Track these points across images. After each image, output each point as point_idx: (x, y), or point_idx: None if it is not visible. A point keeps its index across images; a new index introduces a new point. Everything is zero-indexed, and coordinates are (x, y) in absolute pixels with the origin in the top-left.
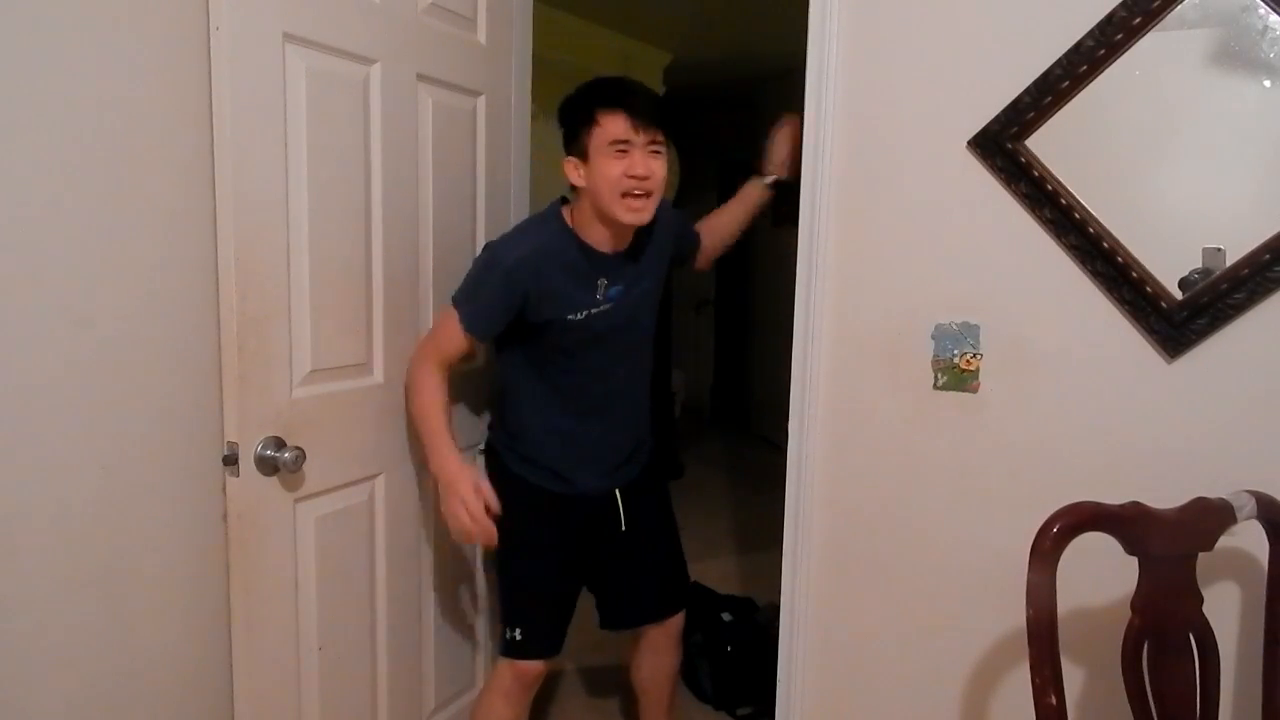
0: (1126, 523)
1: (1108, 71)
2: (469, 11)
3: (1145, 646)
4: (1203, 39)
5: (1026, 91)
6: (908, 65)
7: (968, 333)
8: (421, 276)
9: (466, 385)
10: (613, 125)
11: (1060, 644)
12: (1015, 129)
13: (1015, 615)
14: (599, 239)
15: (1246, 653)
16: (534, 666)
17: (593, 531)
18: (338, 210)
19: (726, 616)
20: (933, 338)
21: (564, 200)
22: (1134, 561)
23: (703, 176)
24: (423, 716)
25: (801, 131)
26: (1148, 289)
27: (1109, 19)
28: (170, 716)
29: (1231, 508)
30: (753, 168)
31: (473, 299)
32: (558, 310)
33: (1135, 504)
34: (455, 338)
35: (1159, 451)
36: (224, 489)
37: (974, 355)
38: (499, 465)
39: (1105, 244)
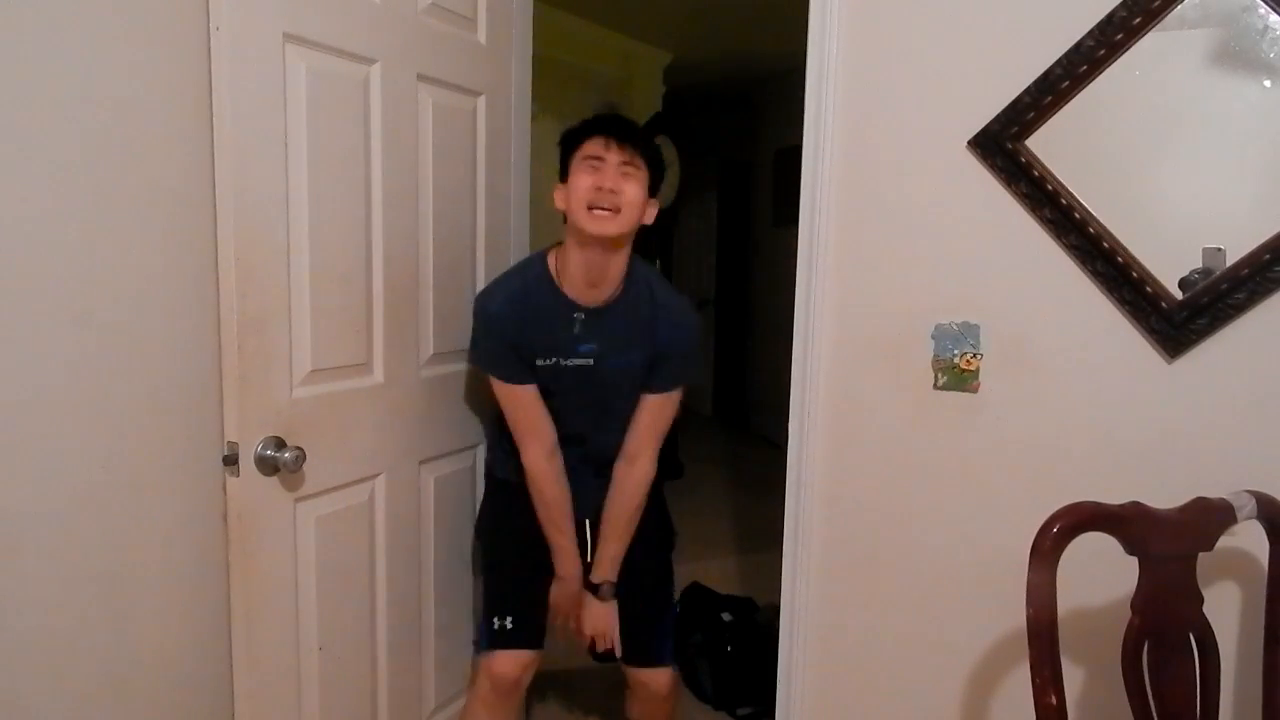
0: (1126, 523)
1: (1108, 71)
2: (469, 11)
3: (1145, 646)
4: (1203, 39)
5: (1026, 91)
6: (908, 65)
7: (968, 333)
8: (421, 277)
9: (466, 385)
10: (590, 144)
11: (1060, 644)
12: (1015, 129)
13: (1015, 615)
14: (576, 286)
15: (1246, 653)
16: (510, 670)
17: None
18: (338, 210)
19: (726, 616)
20: (933, 338)
21: (559, 242)
22: (1134, 561)
23: (703, 176)
24: (422, 716)
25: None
26: (1148, 289)
27: (1109, 19)
28: (170, 716)
29: (1232, 508)
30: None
31: (487, 354)
32: (533, 353)
33: (1135, 504)
34: (518, 398)
35: (1159, 451)
36: (224, 489)
37: (974, 355)
38: (488, 470)
39: (1105, 244)
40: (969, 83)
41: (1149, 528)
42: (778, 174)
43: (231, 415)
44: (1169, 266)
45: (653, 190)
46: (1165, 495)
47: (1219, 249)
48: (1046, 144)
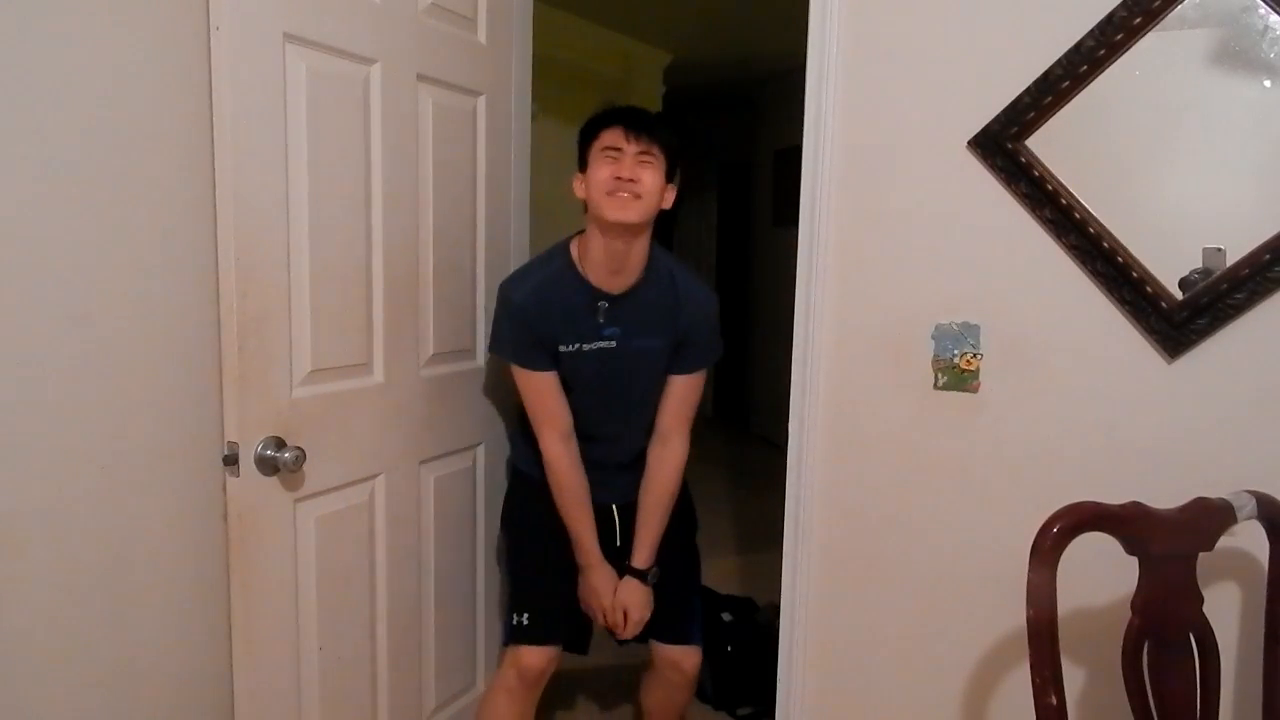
0: (1127, 523)
1: (1108, 71)
2: (469, 11)
3: (1145, 646)
4: (1203, 39)
5: (1027, 91)
6: (908, 65)
7: (968, 333)
8: (422, 276)
9: (469, 385)
10: (608, 134)
11: (1060, 644)
12: (1015, 129)
13: (1015, 615)
14: (598, 273)
15: (1246, 653)
16: (537, 661)
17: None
18: (338, 210)
19: (727, 616)
20: (933, 338)
21: (582, 230)
22: (1134, 561)
23: (703, 177)
24: (423, 716)
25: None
26: (1148, 289)
27: (1109, 19)
28: (170, 716)
29: (1232, 508)
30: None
31: (510, 341)
32: (555, 341)
33: (1135, 504)
34: (538, 384)
35: (1159, 451)
36: (224, 489)
37: (974, 355)
38: (510, 464)
39: (1105, 244)
40: (969, 83)
41: (1149, 528)
42: (777, 174)
43: (231, 415)
44: (1169, 266)
45: (669, 175)
46: (1165, 495)
47: (1219, 249)
48: (1047, 144)
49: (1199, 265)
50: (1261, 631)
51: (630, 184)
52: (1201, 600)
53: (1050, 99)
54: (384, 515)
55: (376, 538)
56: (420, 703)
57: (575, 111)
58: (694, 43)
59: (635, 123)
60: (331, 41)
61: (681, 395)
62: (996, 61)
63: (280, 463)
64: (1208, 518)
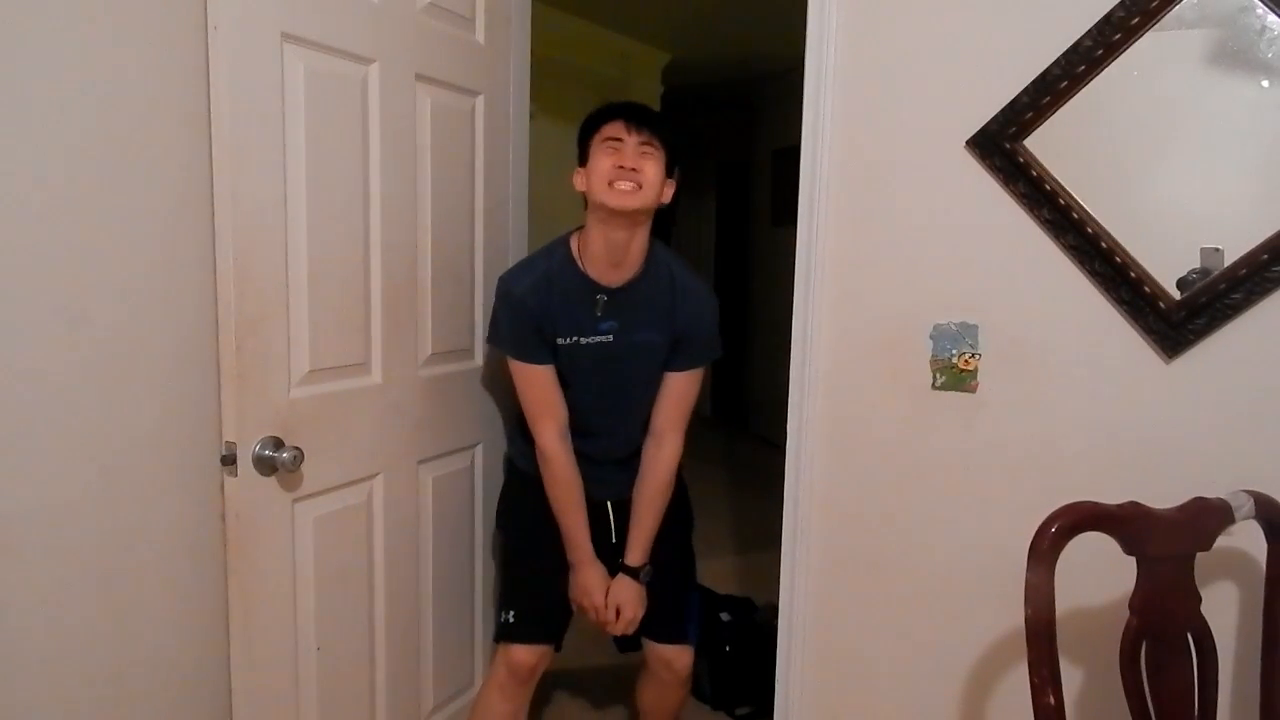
0: (1125, 522)
1: (1106, 71)
2: (467, 11)
3: (1143, 646)
4: (1201, 39)
5: (1025, 91)
6: (906, 65)
7: (966, 333)
8: (420, 276)
9: (467, 385)
10: (609, 126)
11: (1059, 644)
12: (1013, 129)
13: (1014, 615)
14: (598, 266)
15: (1244, 652)
16: (527, 657)
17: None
18: (336, 210)
19: (725, 616)
20: (931, 338)
21: (578, 229)
22: (1132, 561)
23: (701, 177)
24: (421, 716)
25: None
26: (1146, 289)
27: (1107, 19)
28: (168, 716)
29: (1230, 507)
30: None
31: (509, 334)
32: (554, 333)
33: (1133, 504)
34: (534, 377)
35: (1157, 451)
36: (222, 489)
37: (972, 355)
38: (508, 460)
39: (1103, 244)
40: (967, 83)
41: (1147, 527)
42: (776, 174)
43: (229, 415)
44: (1167, 266)
45: (669, 169)
46: (1163, 495)
47: (1217, 249)
48: (1044, 144)
49: (1197, 265)
50: (1259, 631)
51: (632, 173)
52: (1199, 600)
53: (1048, 99)
54: (382, 515)
55: (375, 538)
56: (418, 703)
57: (574, 111)
58: (692, 43)
59: (636, 115)
60: (329, 41)
61: (678, 393)
62: (994, 61)
63: (278, 463)
64: (1206, 518)
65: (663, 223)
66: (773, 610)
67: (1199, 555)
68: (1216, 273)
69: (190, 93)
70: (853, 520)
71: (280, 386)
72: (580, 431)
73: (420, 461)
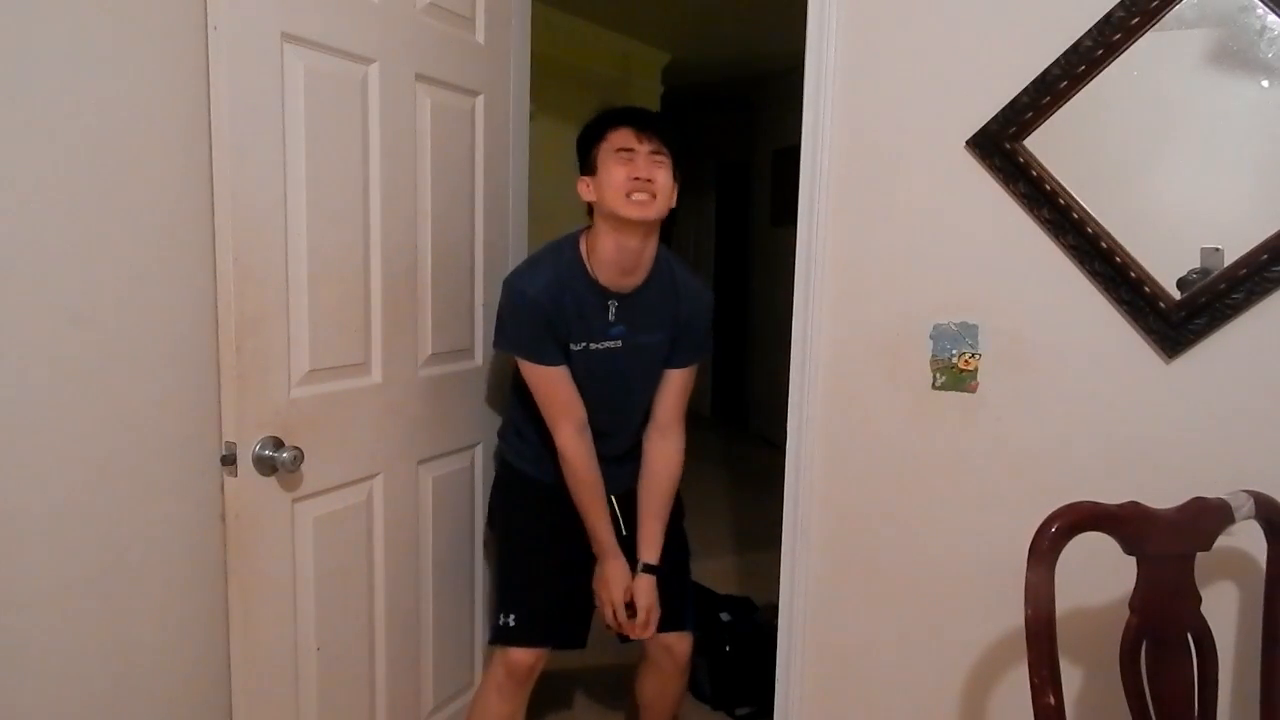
0: (1124, 522)
1: (1106, 71)
2: (467, 11)
3: (1143, 646)
4: (1200, 39)
5: (1025, 91)
6: (906, 65)
7: (966, 332)
8: (420, 276)
9: (467, 385)
10: (619, 135)
11: (1059, 643)
12: (1013, 129)
13: (1014, 615)
14: (609, 273)
15: (1244, 652)
16: (525, 658)
17: None
18: (336, 210)
19: (725, 616)
20: (931, 337)
21: (585, 226)
22: (1132, 561)
23: (701, 177)
24: (421, 716)
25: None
26: (1146, 289)
27: (1107, 19)
28: (168, 716)
29: (1229, 507)
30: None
31: (523, 338)
32: (567, 338)
33: (1133, 504)
34: (551, 377)
35: (1157, 451)
36: (222, 489)
37: (972, 355)
38: (502, 460)
39: (1103, 244)
40: (967, 83)
41: (1147, 527)
42: (776, 174)
43: (229, 415)
44: (1167, 266)
45: (675, 173)
46: (1163, 495)
47: (1217, 249)
48: (1045, 144)
49: (1197, 265)
50: (1259, 631)
51: (647, 184)
52: (1199, 600)
53: (1048, 99)
54: (382, 515)
55: (375, 538)
56: (418, 702)
57: (574, 111)
58: (692, 43)
59: (643, 122)
60: (329, 41)
61: (679, 389)
62: (994, 62)
63: (278, 462)
64: (1205, 517)
65: (663, 224)
66: (773, 610)
67: (1199, 555)
68: (1216, 273)
69: (190, 92)
70: (853, 520)
71: (280, 386)
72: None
73: (420, 461)
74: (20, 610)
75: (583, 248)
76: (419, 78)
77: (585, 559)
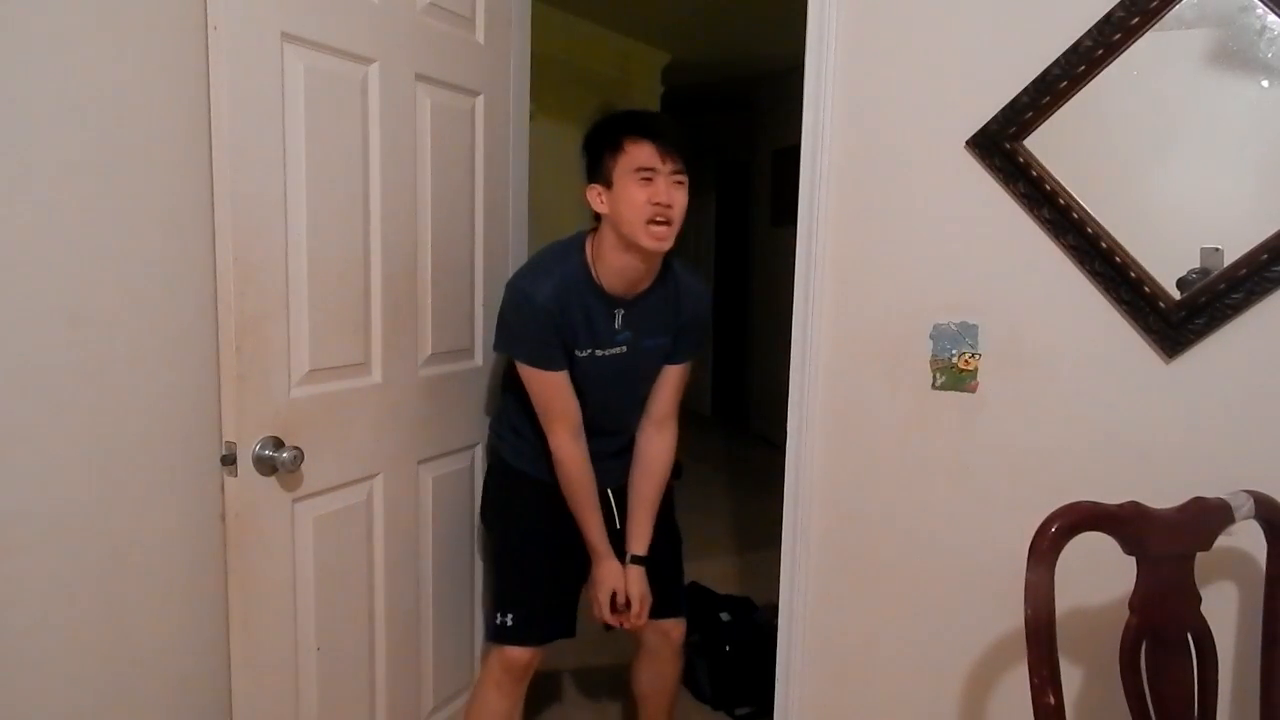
0: (1124, 522)
1: (1106, 71)
2: (467, 11)
3: (1143, 646)
4: (1200, 39)
5: (1025, 91)
6: (906, 65)
7: (966, 332)
8: (420, 276)
9: (467, 385)
10: (640, 152)
11: (1059, 643)
12: (1013, 129)
13: (1014, 615)
14: (614, 281)
15: (1244, 652)
16: (522, 655)
17: None
18: (336, 210)
19: (725, 616)
20: (931, 337)
21: (590, 229)
22: (1132, 561)
23: (702, 177)
24: (421, 716)
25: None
26: (1146, 289)
27: (1107, 19)
28: (168, 716)
29: (1229, 507)
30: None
31: (528, 341)
32: (573, 344)
33: (1133, 504)
34: (553, 383)
35: (1157, 451)
36: (222, 489)
37: (972, 355)
38: (497, 458)
39: (1103, 244)
40: (967, 83)
41: (1147, 527)
42: (776, 174)
43: (229, 415)
44: (1167, 266)
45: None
46: (1163, 495)
47: (1217, 249)
48: (1044, 144)
49: (1197, 265)
50: (1259, 631)
51: (667, 209)
52: (1199, 600)
53: (1048, 99)
54: (382, 515)
55: (375, 537)
56: (418, 702)
57: (574, 111)
58: (692, 42)
59: (666, 138)
60: (329, 41)
61: (676, 384)
62: (994, 61)
63: (278, 462)
64: (1205, 517)
65: None
66: (773, 610)
67: (1199, 555)
68: (1216, 273)
69: (190, 92)
70: (853, 520)
71: (280, 386)
72: (586, 431)
73: (420, 461)
74: (20, 610)
75: (588, 254)
76: (419, 78)
77: (577, 551)
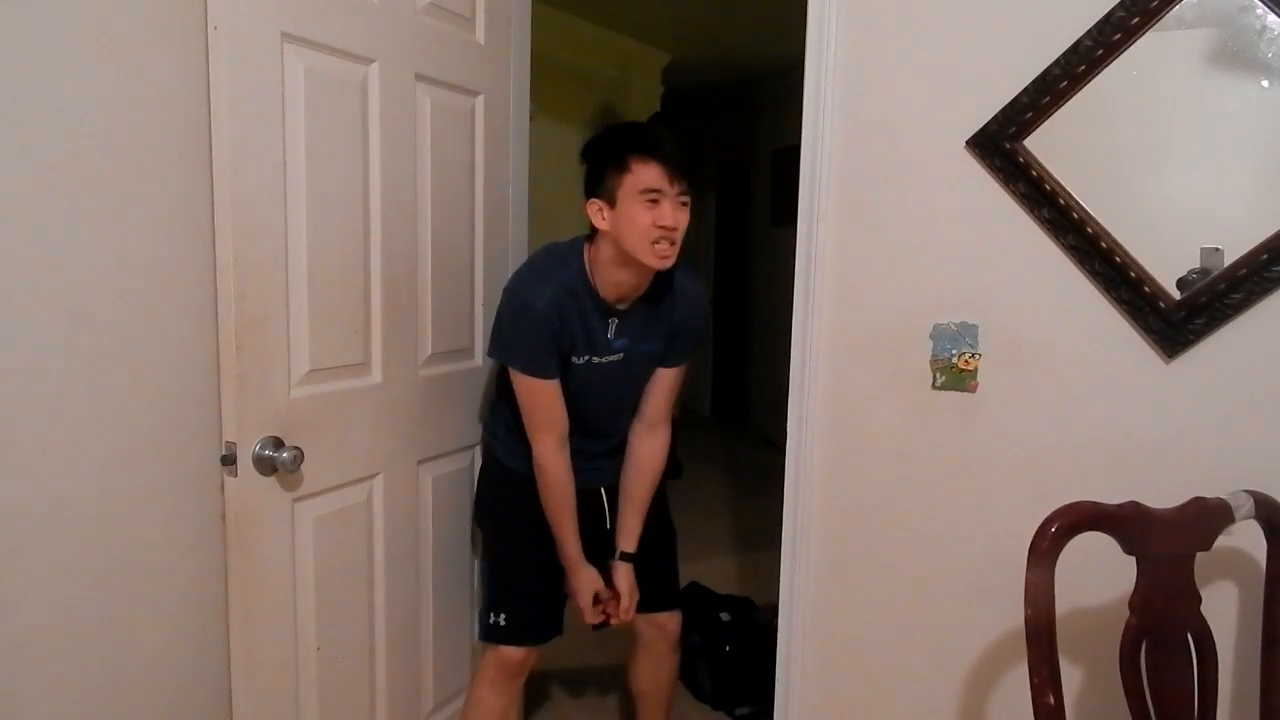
0: (1124, 522)
1: (1106, 71)
2: (467, 11)
3: (1143, 646)
4: (1200, 39)
5: (1025, 91)
6: (906, 65)
7: (966, 332)
8: (420, 276)
9: (467, 385)
10: (646, 174)
11: (1059, 643)
12: (1013, 129)
13: (1014, 615)
14: (611, 292)
15: (1244, 652)
16: (516, 654)
17: (581, 526)
18: (336, 210)
19: (725, 616)
20: (931, 337)
21: (587, 236)
22: (1132, 561)
23: (702, 177)
24: (421, 716)
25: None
26: (1146, 289)
27: (1107, 19)
28: (168, 716)
29: (1229, 507)
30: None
31: (524, 350)
32: (570, 352)
33: (1133, 503)
34: (544, 391)
35: (1157, 451)
36: (222, 489)
37: (972, 355)
38: (489, 455)
39: (1103, 244)
40: (967, 83)
41: (1147, 527)
42: (776, 174)
43: (229, 415)
44: (1167, 266)
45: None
46: (1163, 495)
47: (1217, 249)
48: (1044, 144)
49: (1197, 265)
50: (1259, 631)
51: (672, 232)
52: (1199, 600)
53: (1048, 99)
54: (382, 515)
55: (375, 537)
56: (418, 702)
57: (574, 111)
58: (693, 43)
59: (674, 161)
60: (329, 41)
61: (671, 385)
62: (994, 61)
63: (278, 462)
64: (1205, 517)
65: None
66: (773, 610)
67: (1199, 555)
68: (1216, 273)
69: (190, 92)
70: (853, 520)
71: (280, 387)
72: (580, 433)
73: (420, 461)
74: (21, 610)
75: (586, 260)
76: (419, 78)
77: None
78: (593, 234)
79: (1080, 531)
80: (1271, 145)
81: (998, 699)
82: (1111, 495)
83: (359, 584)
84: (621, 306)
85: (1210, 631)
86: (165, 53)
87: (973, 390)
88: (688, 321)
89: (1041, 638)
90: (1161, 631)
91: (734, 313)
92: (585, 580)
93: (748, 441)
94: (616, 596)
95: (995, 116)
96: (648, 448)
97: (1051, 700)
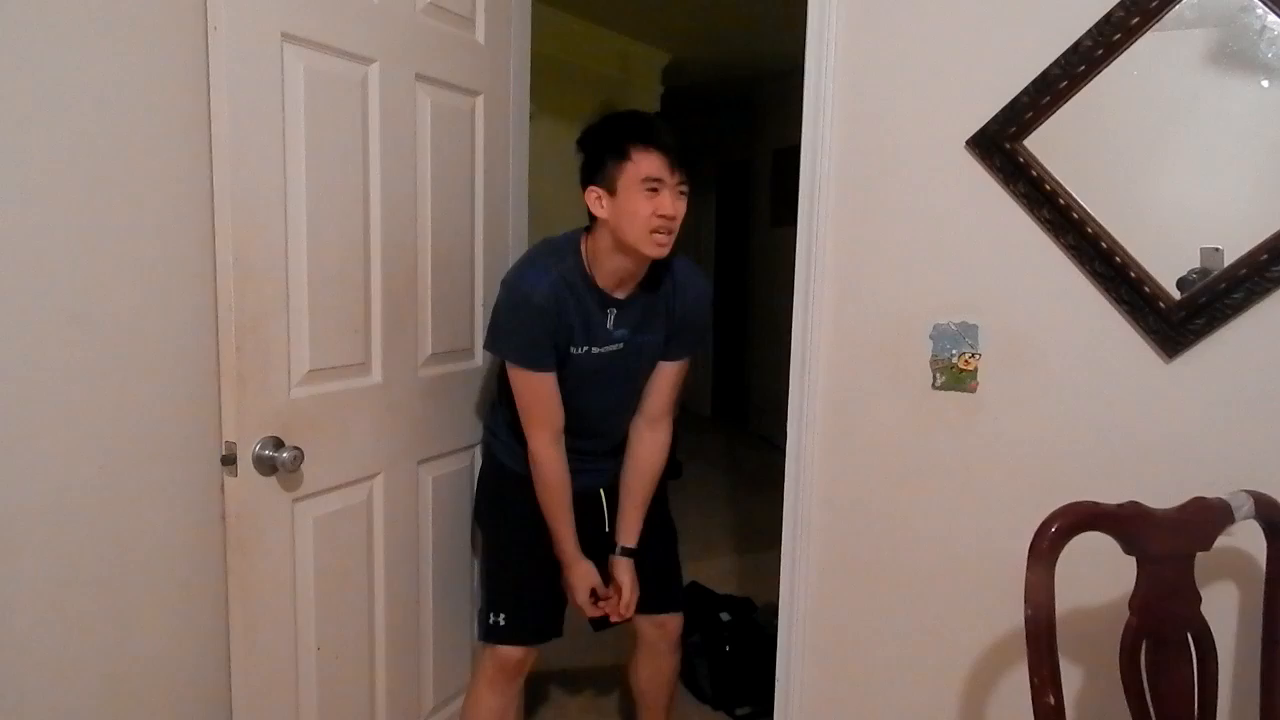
0: (1124, 522)
1: (1106, 71)
2: (467, 11)
3: (1143, 646)
4: (1200, 39)
5: (1025, 91)
6: (906, 65)
7: (966, 332)
8: (420, 276)
9: (467, 385)
10: (647, 163)
11: (1059, 644)
12: (1013, 129)
13: (1014, 615)
14: (609, 280)
15: (1244, 652)
16: (515, 654)
17: (580, 527)
18: (336, 210)
19: (725, 616)
20: (931, 337)
21: (584, 228)
22: (1132, 561)
23: (702, 177)
24: (421, 716)
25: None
26: (1146, 289)
27: (1107, 19)
28: (168, 716)
29: (1229, 507)
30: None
31: (520, 341)
32: (567, 342)
33: (1133, 504)
34: (539, 385)
35: (1157, 451)
36: (222, 489)
37: (972, 355)
38: (489, 455)
39: (1103, 244)
40: (967, 83)
41: (1147, 527)
42: (776, 174)
43: (229, 415)
44: (1167, 266)
45: None
46: (1163, 495)
47: (1217, 249)
48: (1044, 144)
49: (1197, 265)
50: (1259, 631)
51: (672, 220)
52: (1199, 600)
53: (1048, 99)
54: (382, 515)
55: (375, 537)
56: (418, 702)
57: (574, 111)
58: (693, 42)
59: (674, 150)
60: (329, 41)
61: (673, 381)
62: (994, 61)
63: (278, 462)
64: (1205, 517)
65: None
66: (773, 610)
67: (1199, 555)
68: (1216, 273)
69: (190, 92)
70: (853, 520)
71: (280, 386)
72: (579, 431)
73: (420, 461)
74: (20, 609)
75: (584, 253)
76: (419, 78)
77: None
78: (590, 225)
79: (1080, 531)
80: (1271, 145)
81: (998, 699)
82: (1111, 495)
83: (359, 584)
84: (620, 296)
85: (1210, 631)
86: (165, 52)
87: (973, 390)
88: (691, 315)
89: (1041, 638)
90: (1161, 631)
91: (734, 313)
92: (581, 575)
93: (748, 442)
94: (615, 592)
95: (995, 116)
96: (649, 444)
97: (1051, 700)
